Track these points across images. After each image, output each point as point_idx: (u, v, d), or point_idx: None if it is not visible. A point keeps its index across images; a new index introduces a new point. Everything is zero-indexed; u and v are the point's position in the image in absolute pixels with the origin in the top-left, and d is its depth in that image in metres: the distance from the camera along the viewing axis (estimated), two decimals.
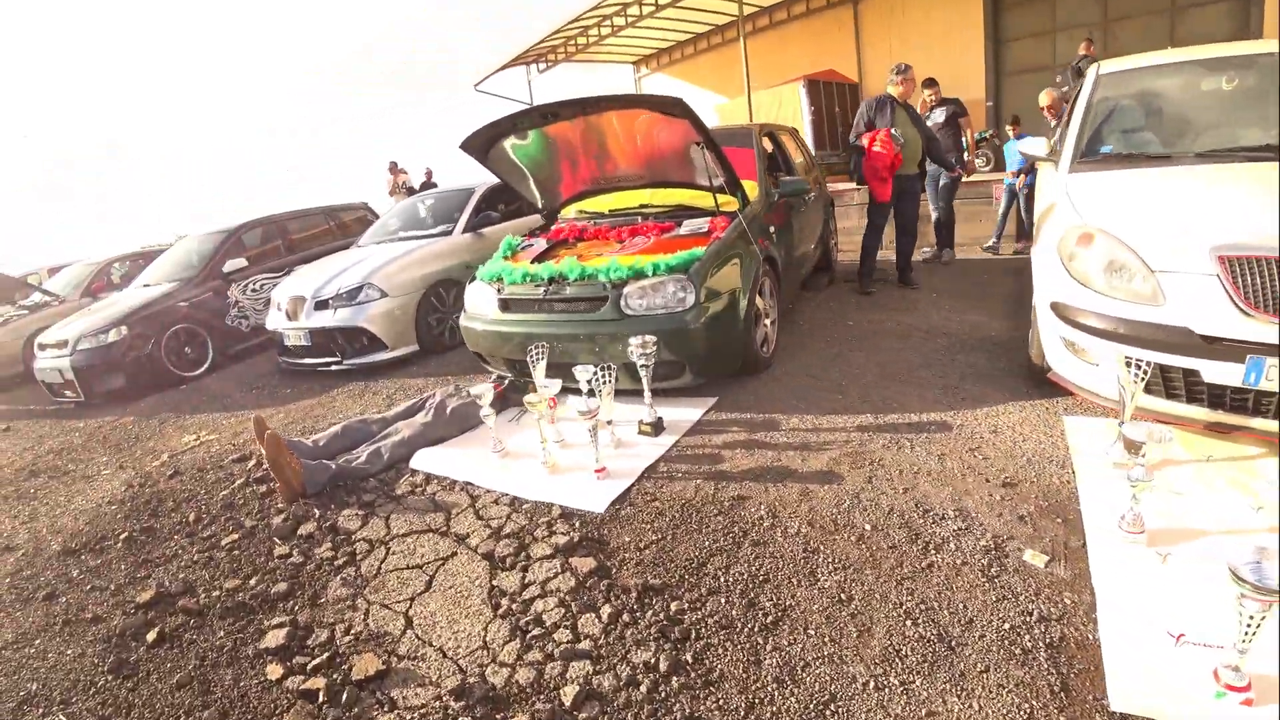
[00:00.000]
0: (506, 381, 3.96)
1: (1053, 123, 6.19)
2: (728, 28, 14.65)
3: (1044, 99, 6.58)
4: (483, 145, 4.21)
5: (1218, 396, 2.40)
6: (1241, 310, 2.27)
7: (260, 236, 7.14)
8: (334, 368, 5.33)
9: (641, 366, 3.28)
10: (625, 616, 2.13)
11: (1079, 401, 3.08)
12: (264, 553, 2.80)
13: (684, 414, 3.53)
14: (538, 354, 3.53)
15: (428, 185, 14.35)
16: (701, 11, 13.44)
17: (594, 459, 2.98)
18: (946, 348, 4.11)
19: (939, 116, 6.69)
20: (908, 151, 5.40)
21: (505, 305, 3.90)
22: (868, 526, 2.40)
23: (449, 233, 6.04)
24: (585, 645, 2.05)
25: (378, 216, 8.47)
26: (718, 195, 4.16)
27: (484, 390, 3.23)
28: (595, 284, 3.60)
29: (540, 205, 4.83)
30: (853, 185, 8.00)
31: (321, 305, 5.32)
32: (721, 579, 2.24)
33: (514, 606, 2.26)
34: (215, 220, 7.65)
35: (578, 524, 2.65)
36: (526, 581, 2.37)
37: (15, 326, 7.41)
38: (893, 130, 5.22)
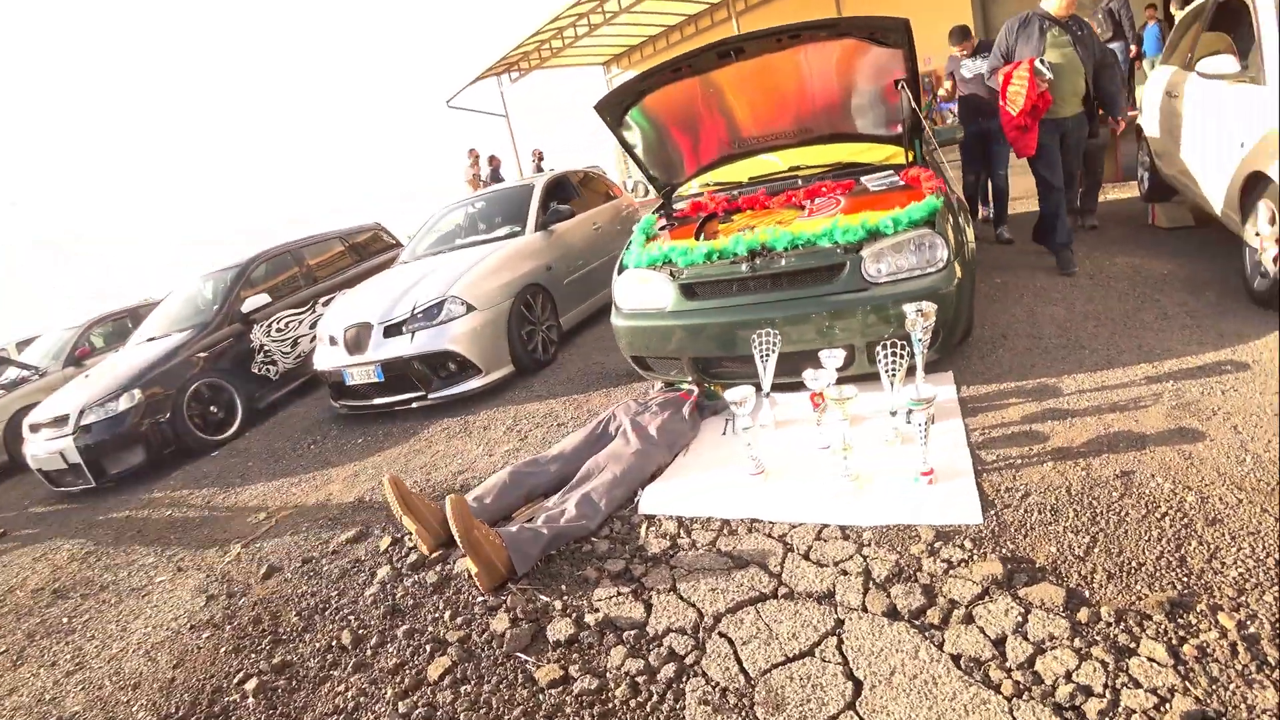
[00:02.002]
0: (695, 390, 2.95)
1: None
2: (701, 16, 13.83)
3: None
4: (621, 106, 3.22)
5: None
6: None
7: (274, 269, 5.95)
8: (415, 404, 4.20)
9: (918, 341, 2.37)
10: (1191, 650, 1.40)
11: None
12: (518, 681, 1.76)
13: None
14: (767, 343, 2.56)
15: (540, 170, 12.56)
16: (678, 1, 12.59)
17: (845, 460, 2.18)
18: (1133, 290, 3.50)
19: (978, 67, 5.01)
20: (1062, 86, 3.73)
21: (690, 291, 2.91)
22: None
23: (519, 233, 4.98)
24: (1185, 705, 1.28)
25: (393, 236, 7.30)
26: (896, 146, 3.29)
27: (744, 394, 2.24)
28: (821, 250, 2.65)
29: (657, 181, 3.83)
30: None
31: (393, 330, 4.21)
32: (1219, 570, 1.61)
33: (1017, 679, 1.43)
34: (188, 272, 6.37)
35: (967, 544, 1.85)
36: (991, 637, 1.54)
37: None
38: (1040, 60, 3.57)
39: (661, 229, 3.43)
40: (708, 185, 3.93)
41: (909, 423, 2.37)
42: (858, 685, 1.50)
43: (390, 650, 2.00)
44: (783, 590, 1.84)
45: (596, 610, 1.90)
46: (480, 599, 2.08)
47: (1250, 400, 2.26)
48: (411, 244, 5.70)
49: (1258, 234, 2.87)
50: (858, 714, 1.43)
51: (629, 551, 2.16)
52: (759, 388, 2.64)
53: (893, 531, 1.97)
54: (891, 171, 3.24)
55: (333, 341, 4.48)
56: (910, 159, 3.32)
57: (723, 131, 3.66)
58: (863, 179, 3.25)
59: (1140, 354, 2.74)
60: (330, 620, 2.26)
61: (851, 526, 2.02)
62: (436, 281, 4.37)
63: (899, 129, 3.26)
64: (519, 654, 1.81)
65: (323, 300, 5.85)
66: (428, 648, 1.96)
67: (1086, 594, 1.62)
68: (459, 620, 2.04)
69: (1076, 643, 1.48)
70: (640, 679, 1.64)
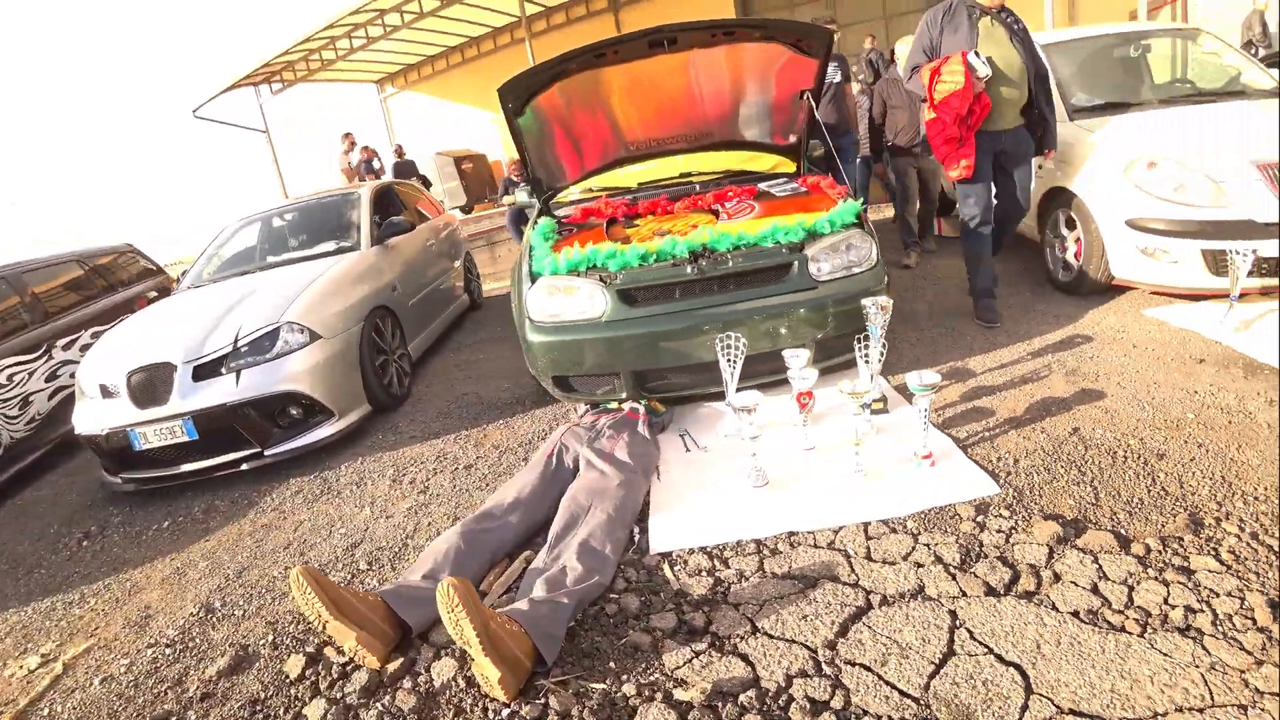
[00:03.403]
0: (640, 408, 2.62)
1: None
2: (484, 39, 13.28)
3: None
4: (525, 93, 2.77)
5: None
6: None
7: None
8: (246, 466, 3.15)
9: (876, 334, 2.41)
10: (1227, 554, 1.61)
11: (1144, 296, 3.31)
12: None
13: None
14: (732, 349, 2.35)
15: (404, 166, 10.05)
16: (461, 22, 11.92)
17: (858, 455, 2.15)
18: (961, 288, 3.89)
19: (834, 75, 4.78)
20: (1000, 90, 2.96)
21: (628, 297, 2.58)
22: (1190, 415, 2.24)
23: (353, 247, 4.09)
24: (1258, 599, 1.45)
25: (151, 260, 5.65)
26: (783, 156, 3.37)
27: (754, 401, 2.01)
28: (767, 251, 2.54)
29: (540, 185, 3.41)
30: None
31: (207, 371, 3.12)
32: (1194, 490, 1.86)
33: (1133, 616, 1.48)
34: None
35: (1004, 513, 1.89)
36: (1086, 588, 1.58)
37: None
38: (973, 54, 2.86)
39: (567, 233, 3.03)
40: (590, 190, 3.61)
41: (873, 414, 2.35)
42: (1019, 669, 1.39)
43: None
44: (875, 598, 1.64)
45: (684, 683, 1.47)
46: (505, 711, 1.50)
47: (1114, 362, 2.70)
48: (197, 266, 4.37)
49: (1058, 236, 3.45)
50: (1042, 696, 1.32)
51: (668, 600, 1.75)
52: (721, 397, 2.41)
53: (930, 516, 1.92)
54: (787, 179, 3.27)
55: (106, 393, 3.17)
56: (797, 169, 3.39)
57: (609, 135, 3.40)
58: (761, 185, 3.23)
59: (1010, 337, 3.12)
60: None
61: (890, 519, 1.91)
62: (261, 305, 3.35)
63: (793, 139, 3.31)
64: None
65: (63, 344, 4.20)
66: None
67: (1124, 532, 1.74)
68: None
69: (1151, 573, 1.59)
70: None
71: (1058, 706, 1.30)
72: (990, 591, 1.61)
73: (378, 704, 1.60)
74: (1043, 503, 1.90)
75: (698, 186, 3.35)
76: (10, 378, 3.85)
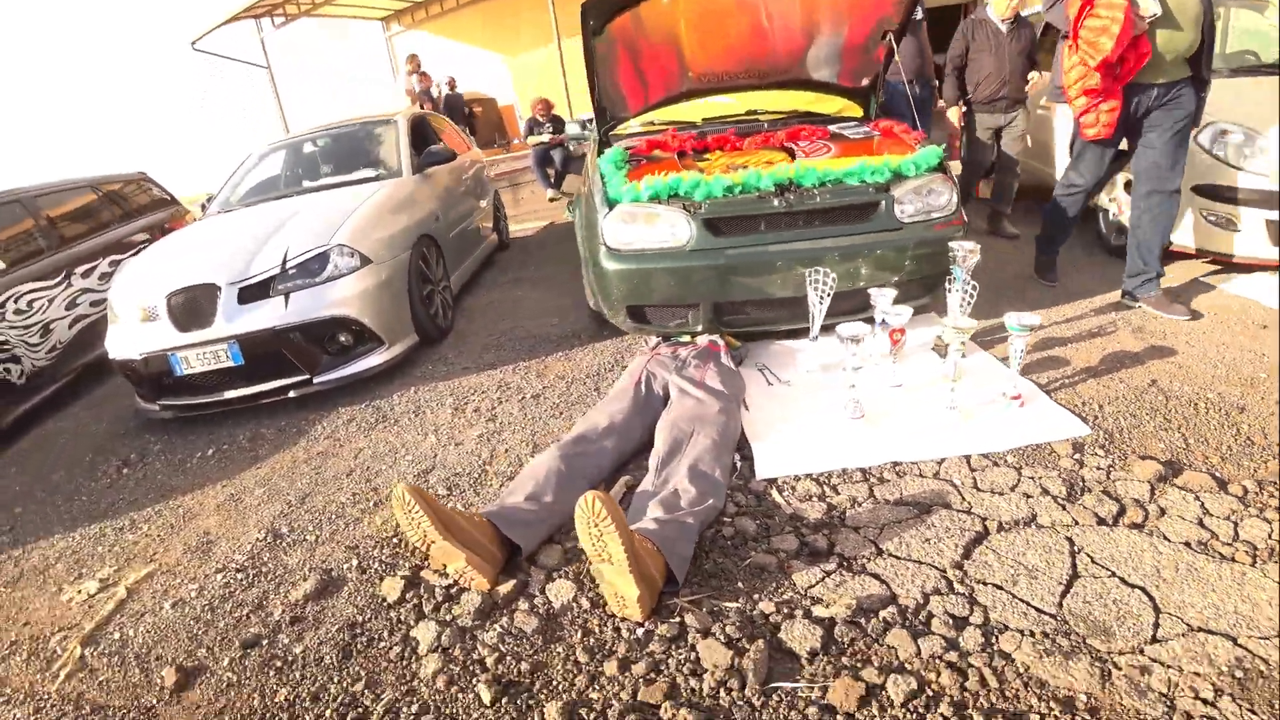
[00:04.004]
0: (720, 340, 2.61)
1: None
2: None
3: None
4: (609, 12, 2.64)
5: None
6: None
7: None
8: (294, 394, 3.07)
9: (962, 278, 2.42)
10: None
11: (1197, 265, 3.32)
12: None
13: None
14: (822, 284, 2.34)
15: (454, 99, 9.47)
16: None
17: (953, 391, 2.18)
18: (1020, 249, 3.83)
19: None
20: (1168, 35, 2.48)
21: (714, 227, 2.52)
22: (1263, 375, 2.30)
23: (394, 174, 3.93)
24: None
25: (165, 190, 5.37)
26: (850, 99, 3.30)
27: (861, 332, 2.01)
28: (855, 189, 2.50)
29: (604, 114, 3.29)
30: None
31: (253, 293, 3.00)
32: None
33: (1241, 549, 1.54)
34: None
35: (1100, 453, 1.94)
36: (1193, 521, 1.64)
37: None
38: None
39: (638, 163, 2.93)
40: (651, 124, 3.49)
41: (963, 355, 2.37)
42: (1143, 590, 1.46)
43: None
44: (990, 524, 1.70)
45: (820, 600, 1.51)
46: (639, 629, 1.50)
47: (1179, 323, 2.73)
48: (224, 191, 4.16)
49: (1113, 199, 3.44)
50: (1171, 615, 1.40)
51: (784, 524, 1.78)
52: (794, 334, 2.40)
53: (1028, 452, 1.97)
54: (857, 123, 3.20)
55: (148, 316, 3.04)
56: (865, 114, 3.32)
57: (674, 67, 3.27)
58: (832, 127, 3.16)
59: (1070, 295, 3.14)
60: None
61: (990, 454, 1.96)
62: (308, 227, 3.22)
63: (865, 82, 3.22)
64: (778, 684, 1.33)
65: (81, 270, 4.01)
66: None
67: (1220, 475, 1.80)
68: (636, 671, 1.39)
69: (1252, 511, 1.65)
70: (950, 656, 1.34)
71: (1188, 625, 1.37)
72: (1101, 522, 1.68)
73: (495, 626, 1.58)
74: (1134, 445, 1.96)
75: (765, 124, 3.26)
76: (30, 304, 3.66)
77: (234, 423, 3.08)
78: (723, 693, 1.31)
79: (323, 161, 4.24)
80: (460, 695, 1.41)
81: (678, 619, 1.51)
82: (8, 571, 2.26)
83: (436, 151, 4.16)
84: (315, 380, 3.07)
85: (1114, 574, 1.51)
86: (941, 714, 1.21)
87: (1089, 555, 1.57)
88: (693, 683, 1.35)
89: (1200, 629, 1.36)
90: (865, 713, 1.25)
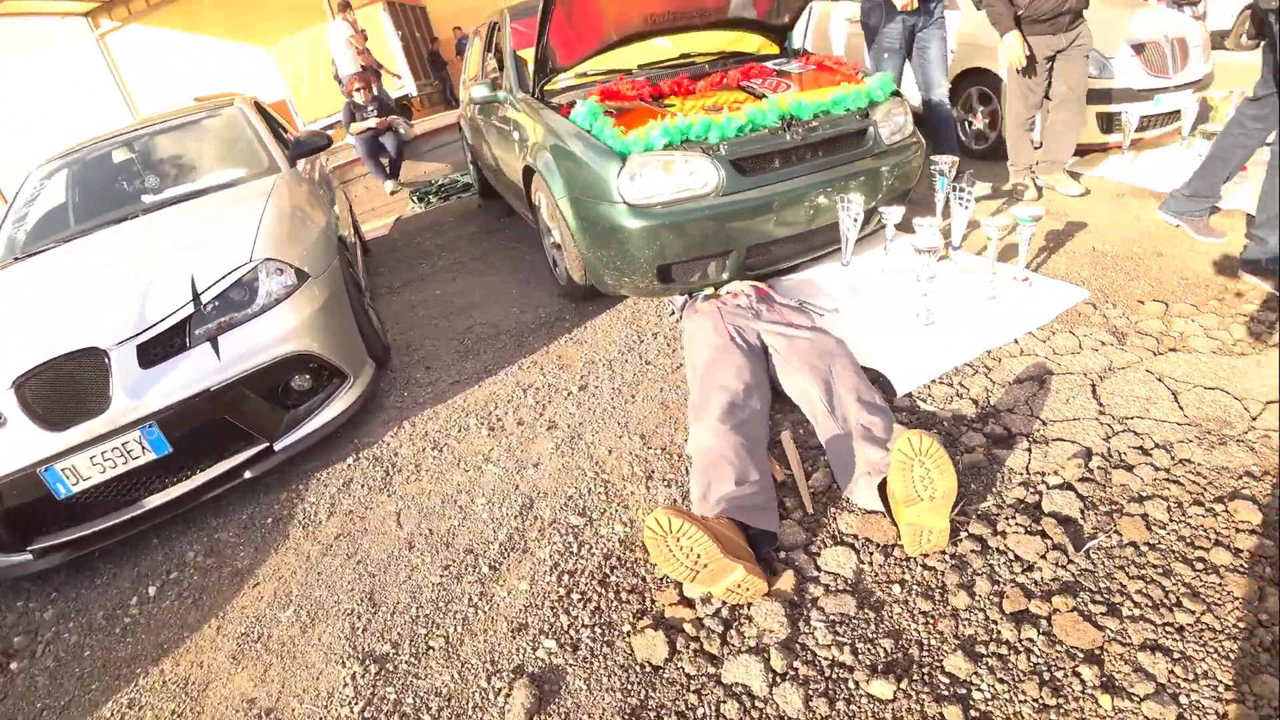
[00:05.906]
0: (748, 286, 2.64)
1: None
2: None
3: None
4: None
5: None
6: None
7: None
8: (249, 473, 2.33)
9: (946, 187, 2.76)
10: None
11: None
12: (1144, 559, 1.45)
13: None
14: (853, 208, 2.56)
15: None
16: None
17: (994, 281, 2.52)
18: None
19: None
20: None
21: (740, 168, 2.51)
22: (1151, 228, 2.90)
23: (268, 170, 3.16)
24: None
25: None
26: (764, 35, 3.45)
27: (934, 242, 2.21)
28: (847, 118, 2.69)
29: (544, 67, 3.01)
30: None
31: (160, 349, 2.21)
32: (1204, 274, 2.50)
33: (1259, 348, 2.02)
34: None
35: (1109, 305, 2.39)
36: (1213, 339, 2.11)
37: None
38: None
39: (616, 112, 2.75)
40: (584, 75, 3.27)
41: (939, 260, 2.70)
42: (1223, 390, 1.89)
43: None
44: (1092, 377, 2.04)
45: (1043, 472, 1.71)
46: (947, 557, 1.53)
47: (1067, 201, 3.40)
48: (5, 230, 2.94)
49: (970, 110, 4.06)
50: (1249, 399, 1.83)
51: (953, 425, 1.95)
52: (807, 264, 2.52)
53: (1066, 316, 2.37)
54: (787, 59, 3.34)
55: None
56: (781, 50, 3.47)
57: (598, 15, 3.07)
58: (769, 64, 3.26)
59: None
60: None
61: (1040, 327, 2.33)
62: (207, 248, 2.45)
63: (787, 18, 3.35)
64: (1088, 544, 1.48)
65: None
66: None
67: (1191, 302, 2.34)
68: (981, 590, 1.43)
69: (1228, 320, 2.19)
70: (1159, 475, 1.64)
71: (1263, 401, 1.81)
72: (1156, 353, 2.10)
73: (814, 624, 1.43)
74: (1125, 294, 2.46)
75: (706, 67, 3.25)
76: None
77: (165, 543, 2.28)
78: (1062, 571, 1.44)
79: (148, 170, 3.18)
80: (854, 691, 1.31)
81: (965, 535, 1.57)
82: None
83: (306, 140, 3.40)
84: (277, 447, 2.39)
85: (1195, 384, 1.93)
86: (1190, 514, 1.50)
87: (1171, 377, 1.97)
88: (1035, 575, 1.45)
89: (1270, 401, 1.81)
90: (1154, 534, 1.49)
